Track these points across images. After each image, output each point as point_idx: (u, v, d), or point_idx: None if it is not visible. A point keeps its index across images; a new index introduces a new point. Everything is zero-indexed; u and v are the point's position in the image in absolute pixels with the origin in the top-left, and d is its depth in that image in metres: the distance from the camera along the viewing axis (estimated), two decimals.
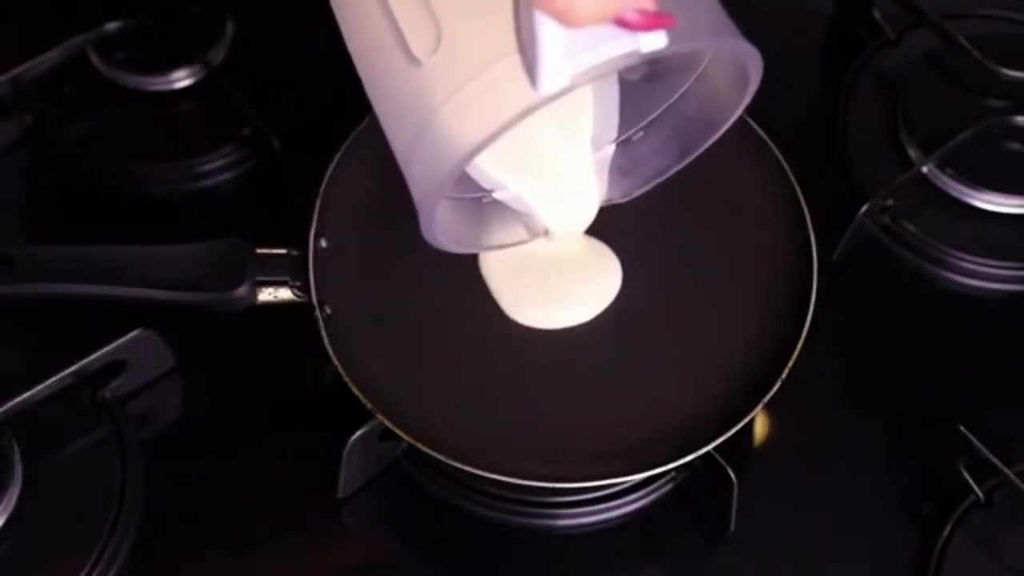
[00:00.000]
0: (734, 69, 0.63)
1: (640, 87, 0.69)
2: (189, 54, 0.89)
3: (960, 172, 0.85)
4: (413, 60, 0.57)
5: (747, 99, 0.64)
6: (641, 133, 0.71)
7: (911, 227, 0.84)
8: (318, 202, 0.78)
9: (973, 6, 0.92)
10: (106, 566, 0.71)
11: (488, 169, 0.68)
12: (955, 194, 0.85)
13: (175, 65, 0.88)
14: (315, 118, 0.89)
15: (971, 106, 0.87)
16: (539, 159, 0.69)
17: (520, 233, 0.73)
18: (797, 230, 0.79)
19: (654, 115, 0.70)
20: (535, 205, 0.70)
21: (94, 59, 0.88)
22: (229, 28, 0.90)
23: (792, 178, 0.80)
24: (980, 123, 0.86)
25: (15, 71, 0.86)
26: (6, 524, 0.71)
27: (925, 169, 0.85)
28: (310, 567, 0.74)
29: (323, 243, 0.77)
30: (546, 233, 0.72)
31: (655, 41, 0.52)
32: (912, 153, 0.86)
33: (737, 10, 0.96)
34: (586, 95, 0.68)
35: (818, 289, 0.76)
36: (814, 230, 0.78)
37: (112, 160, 0.87)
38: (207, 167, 0.87)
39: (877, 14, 0.91)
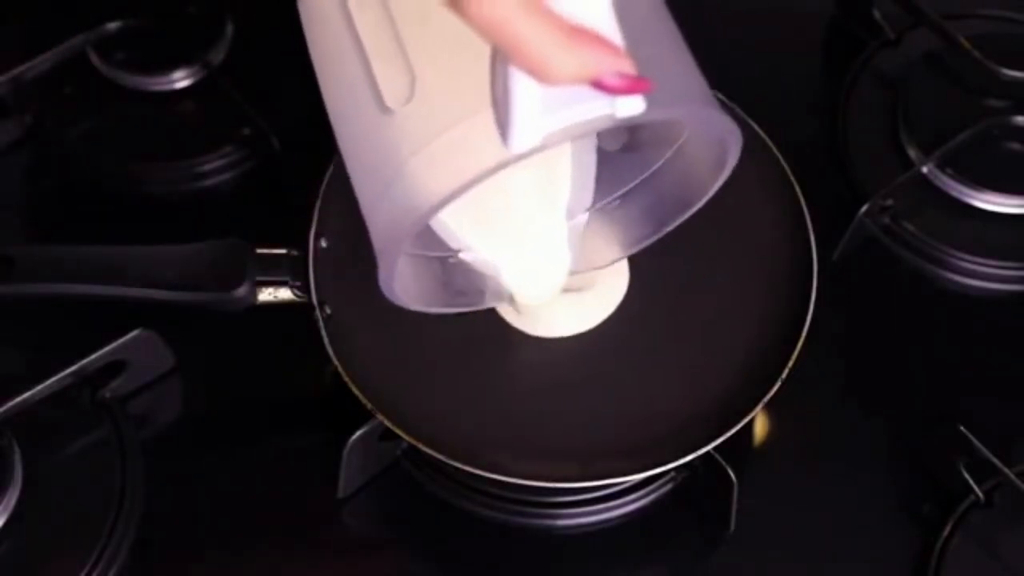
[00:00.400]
0: (712, 147, 0.62)
1: (618, 157, 0.68)
2: (189, 54, 0.89)
3: (960, 172, 0.85)
4: (385, 109, 0.56)
5: (723, 177, 0.63)
6: (617, 202, 0.71)
7: (911, 227, 0.84)
8: (318, 202, 0.78)
9: (973, 6, 0.92)
10: (106, 566, 0.71)
11: (458, 230, 0.67)
12: (955, 194, 0.85)
13: (175, 65, 0.88)
14: (315, 118, 0.88)
15: (971, 106, 0.87)
16: (512, 223, 0.68)
17: (483, 298, 0.72)
18: (797, 230, 0.79)
19: (630, 186, 0.69)
20: (502, 269, 0.69)
21: (94, 59, 0.88)
22: (229, 28, 0.90)
23: (792, 178, 0.80)
24: (980, 123, 0.86)
25: (15, 71, 0.86)
26: (6, 524, 0.71)
27: (925, 169, 0.85)
28: (310, 567, 0.74)
29: (323, 243, 0.77)
30: (510, 299, 0.72)
31: (632, 106, 0.51)
32: (912, 153, 0.86)
33: (737, 10, 0.97)
34: (564, 162, 0.68)
35: (818, 289, 0.76)
36: (814, 230, 0.78)
37: (112, 160, 0.87)
38: (207, 167, 0.87)
39: (877, 14, 0.91)
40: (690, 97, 0.57)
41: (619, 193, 0.70)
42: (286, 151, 0.85)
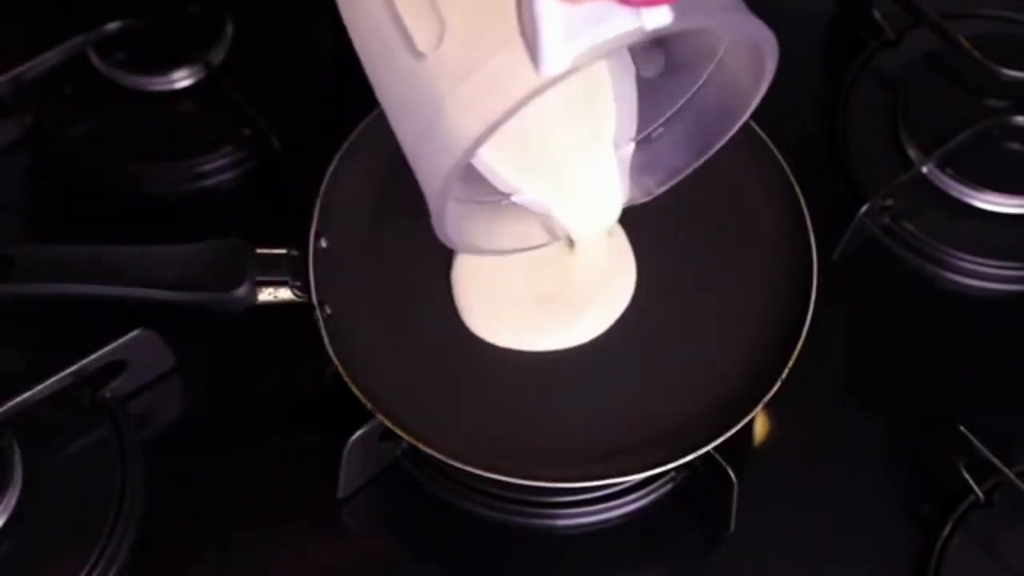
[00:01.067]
0: (749, 55, 0.62)
1: (657, 83, 0.69)
2: (189, 54, 0.89)
3: (960, 172, 0.85)
4: (418, 55, 0.57)
5: (765, 84, 0.63)
6: (661, 129, 0.70)
7: (911, 227, 0.84)
8: (318, 202, 0.78)
9: (973, 6, 0.93)
10: (106, 566, 0.71)
11: (506, 173, 0.67)
12: (955, 194, 0.85)
13: (175, 65, 0.88)
14: (315, 118, 0.89)
15: (971, 106, 0.87)
16: (559, 161, 0.68)
17: (540, 236, 0.72)
18: (797, 230, 0.79)
19: (673, 109, 0.69)
20: (555, 209, 0.69)
21: (94, 59, 0.88)
22: (229, 28, 0.90)
23: (792, 178, 0.80)
24: (980, 123, 0.86)
25: (15, 71, 0.86)
26: (6, 524, 0.71)
27: (925, 169, 0.85)
28: (310, 567, 0.74)
29: (323, 243, 0.77)
30: (567, 238, 0.72)
31: (659, 17, 0.52)
32: (912, 153, 0.86)
33: None
34: (606, 92, 0.68)
35: (818, 289, 0.76)
36: (814, 230, 0.78)
37: (112, 160, 0.87)
38: (207, 167, 0.87)
39: (877, 14, 0.91)
40: (718, 5, 0.57)
41: (662, 119, 0.70)
42: (286, 151, 0.85)
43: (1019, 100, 0.87)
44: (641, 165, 0.71)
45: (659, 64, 0.68)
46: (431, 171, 0.58)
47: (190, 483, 0.76)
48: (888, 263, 0.85)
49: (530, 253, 0.76)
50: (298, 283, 0.75)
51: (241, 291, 0.73)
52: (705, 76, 0.67)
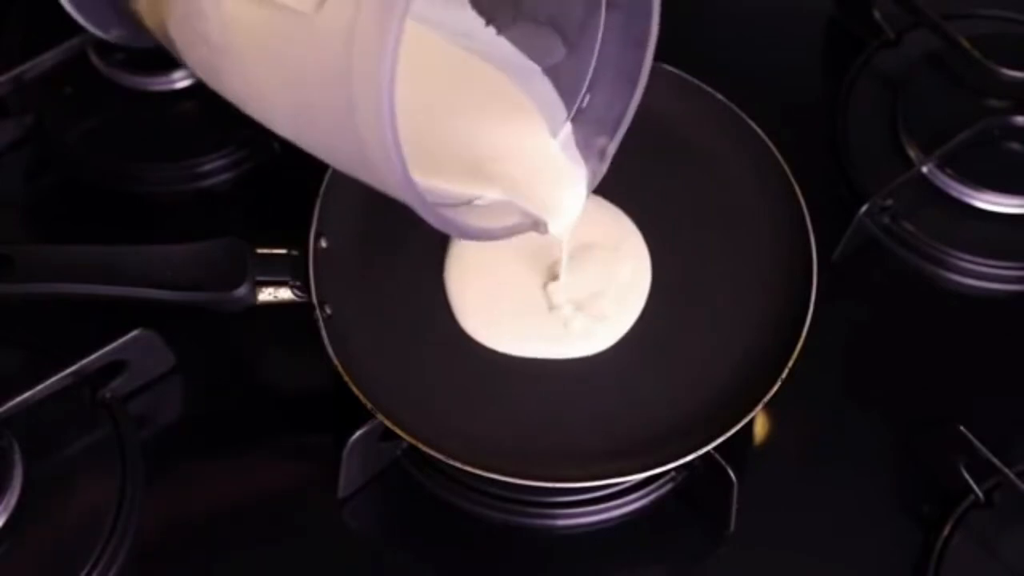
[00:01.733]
0: None
1: (564, 62, 0.70)
2: None
3: (960, 172, 0.85)
4: (304, 18, 0.58)
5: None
6: (587, 96, 0.72)
7: (911, 227, 0.84)
8: (318, 202, 0.78)
9: (973, 6, 0.93)
10: (106, 566, 0.71)
11: (457, 189, 0.68)
12: (955, 194, 0.85)
13: (175, 65, 0.88)
14: None
15: (971, 106, 0.87)
16: (502, 169, 0.69)
17: (522, 225, 0.72)
18: (797, 230, 0.79)
19: (588, 77, 0.71)
20: (522, 204, 0.70)
21: (94, 59, 0.88)
22: None
23: (792, 178, 0.80)
24: (980, 123, 0.86)
25: (15, 71, 0.86)
26: (6, 524, 0.71)
27: (925, 169, 0.85)
28: (310, 567, 0.74)
29: (323, 243, 0.77)
30: (543, 228, 0.72)
31: None
32: (912, 153, 0.86)
33: (737, 10, 0.97)
34: (521, 101, 0.70)
35: (818, 289, 0.76)
36: (814, 230, 0.79)
37: (112, 160, 0.87)
38: (207, 167, 0.87)
39: (877, 14, 0.91)
40: None
41: (584, 90, 0.71)
42: (286, 151, 0.85)
43: (1019, 100, 0.87)
44: (585, 135, 0.73)
45: (558, 49, 0.69)
46: (380, 155, 0.58)
47: (190, 483, 0.76)
48: (888, 263, 0.85)
49: (528, 264, 0.77)
50: (298, 283, 0.75)
51: (241, 291, 0.73)
52: (601, 31, 0.68)
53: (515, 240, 0.71)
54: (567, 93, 0.72)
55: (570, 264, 0.77)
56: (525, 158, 0.70)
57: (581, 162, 0.72)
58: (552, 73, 0.72)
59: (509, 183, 0.70)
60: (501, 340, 0.77)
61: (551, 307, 0.78)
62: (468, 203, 0.70)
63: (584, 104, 0.72)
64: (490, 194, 0.70)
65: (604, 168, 0.73)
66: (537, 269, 0.79)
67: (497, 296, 0.78)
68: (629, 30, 0.69)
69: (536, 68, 0.72)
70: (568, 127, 0.72)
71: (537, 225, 0.72)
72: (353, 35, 0.56)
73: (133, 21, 0.75)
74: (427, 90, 0.70)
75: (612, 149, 0.72)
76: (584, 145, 0.73)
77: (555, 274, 0.77)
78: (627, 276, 0.79)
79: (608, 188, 0.82)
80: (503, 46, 0.73)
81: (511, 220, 0.71)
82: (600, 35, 0.69)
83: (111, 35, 0.83)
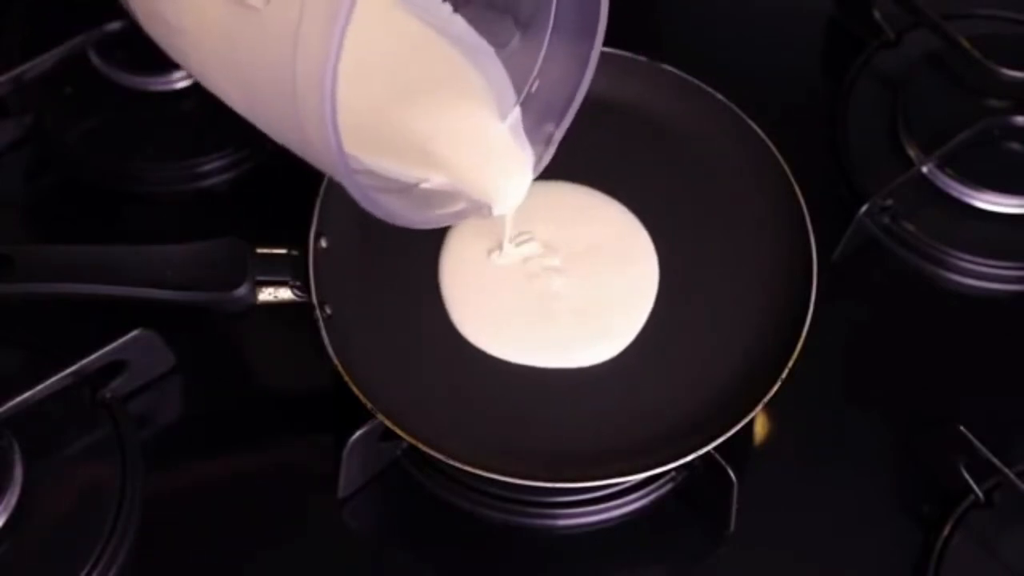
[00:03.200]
0: None
1: (517, 46, 0.71)
2: None
3: (960, 172, 0.85)
4: (253, 11, 0.58)
5: None
6: (537, 81, 0.72)
7: (911, 227, 0.84)
8: (318, 202, 0.78)
9: (973, 6, 0.93)
10: (106, 566, 0.71)
11: (403, 172, 0.68)
12: (955, 194, 0.85)
13: (175, 65, 0.88)
14: None
15: (971, 106, 0.87)
16: (452, 148, 0.69)
17: (465, 211, 0.72)
18: (797, 230, 0.79)
19: (539, 61, 0.71)
20: (468, 189, 0.70)
21: (94, 59, 0.88)
22: None
23: (792, 178, 0.80)
24: (980, 123, 0.86)
25: (15, 71, 0.86)
26: (6, 524, 0.71)
27: (925, 169, 0.85)
28: (310, 567, 0.74)
29: (323, 243, 0.77)
30: (488, 211, 0.72)
31: None
32: (912, 153, 0.86)
33: (738, 10, 0.97)
34: (474, 81, 0.70)
35: (818, 289, 0.76)
36: (814, 230, 0.79)
37: (112, 160, 0.87)
38: (207, 167, 0.87)
39: (877, 14, 0.91)
40: None
41: (535, 74, 0.72)
42: (286, 151, 0.85)
43: (1019, 100, 0.87)
44: (533, 120, 0.73)
45: (511, 31, 0.70)
46: (319, 139, 0.58)
47: (190, 483, 0.76)
48: (888, 263, 0.85)
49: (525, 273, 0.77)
50: (298, 283, 0.75)
51: (241, 291, 0.73)
52: (553, 17, 0.69)
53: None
54: (517, 77, 0.72)
55: (577, 266, 0.77)
56: (472, 140, 0.70)
57: (528, 147, 0.72)
58: (504, 56, 0.72)
59: (454, 165, 0.69)
60: (501, 348, 0.77)
61: (553, 315, 0.77)
62: (412, 187, 0.70)
63: (534, 89, 0.72)
64: (435, 177, 0.69)
65: (550, 153, 0.73)
66: (537, 272, 0.78)
67: (495, 304, 0.78)
68: (581, 17, 0.69)
69: (489, 49, 0.72)
70: (517, 111, 0.72)
71: (480, 209, 0.71)
72: (297, 35, 0.57)
73: None
74: (378, 63, 0.70)
75: (559, 135, 0.72)
76: (532, 130, 0.73)
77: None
78: (634, 286, 0.79)
79: (607, 188, 0.82)
80: (458, 23, 0.73)
81: (454, 207, 0.71)
82: (552, 21, 0.70)
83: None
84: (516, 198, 0.72)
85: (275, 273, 0.75)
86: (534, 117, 0.73)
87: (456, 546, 0.76)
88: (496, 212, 0.71)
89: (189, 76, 0.88)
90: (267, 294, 0.74)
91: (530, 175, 0.72)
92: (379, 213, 0.64)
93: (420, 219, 0.69)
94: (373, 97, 0.69)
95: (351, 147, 0.59)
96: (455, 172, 0.70)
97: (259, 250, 0.75)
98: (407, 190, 0.70)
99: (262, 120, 0.65)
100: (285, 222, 0.77)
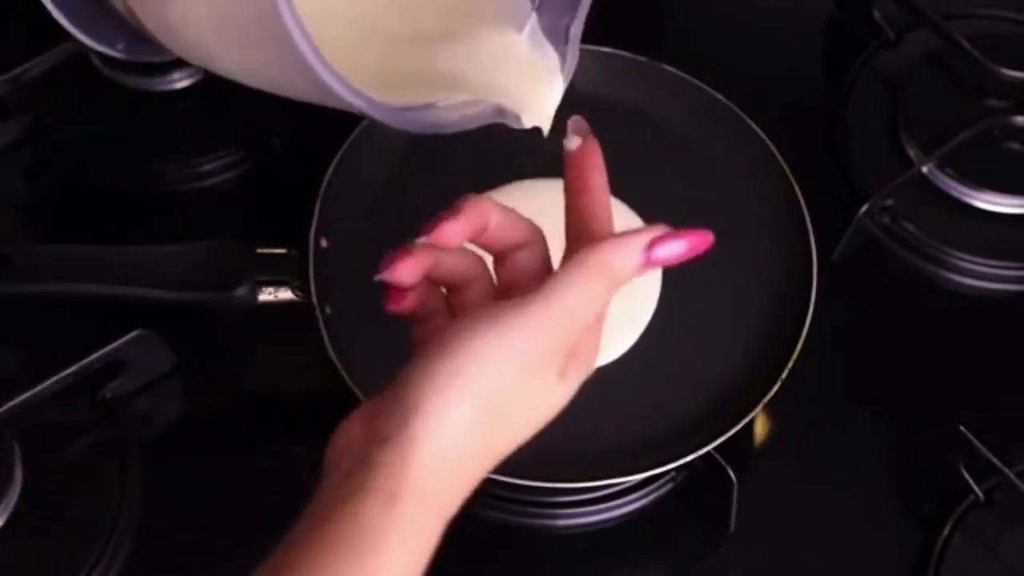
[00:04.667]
0: None
1: None
2: None
3: (960, 172, 0.85)
4: None
5: None
6: None
7: (911, 227, 0.84)
8: (318, 202, 0.78)
9: (973, 6, 0.93)
10: (106, 566, 0.71)
11: (430, 96, 0.64)
12: (955, 194, 0.85)
13: (175, 65, 0.88)
14: (315, 118, 0.88)
15: (971, 106, 0.87)
16: (476, 72, 0.67)
17: (489, 118, 0.68)
18: (797, 230, 0.79)
19: None
20: (497, 100, 0.66)
21: (94, 59, 0.88)
22: None
23: (792, 178, 0.80)
24: (980, 123, 0.86)
25: (15, 71, 0.86)
26: (6, 524, 0.71)
27: (925, 169, 0.85)
28: None
29: (323, 243, 0.77)
30: (517, 120, 0.67)
31: None
32: (912, 153, 0.86)
33: (738, 10, 0.97)
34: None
35: (818, 289, 0.76)
36: (814, 230, 0.79)
37: (112, 160, 0.87)
38: (207, 167, 0.87)
39: (877, 14, 0.91)
40: None
41: None
42: (286, 151, 0.85)
43: (1019, 100, 0.87)
44: (550, 20, 0.69)
45: None
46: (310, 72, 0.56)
47: (190, 483, 0.76)
48: (888, 263, 0.85)
49: None
50: (298, 283, 0.75)
51: (241, 291, 0.73)
52: None
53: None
54: None
55: None
56: (494, 62, 0.68)
57: (551, 52, 0.69)
58: None
59: (481, 89, 0.67)
60: None
61: None
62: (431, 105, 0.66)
63: None
64: (461, 97, 0.66)
65: (575, 55, 0.68)
66: None
67: None
68: None
69: None
70: (533, 18, 0.69)
71: (505, 115, 0.67)
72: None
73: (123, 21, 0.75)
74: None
75: (577, 28, 0.68)
76: (550, 31, 0.69)
77: None
78: (635, 287, 0.79)
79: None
80: None
81: (475, 110, 0.66)
82: None
83: (117, 49, 0.82)
84: (550, 107, 0.69)
85: (275, 273, 0.74)
86: (550, 16, 0.69)
87: (456, 546, 0.76)
88: (528, 124, 0.67)
89: (189, 76, 0.89)
90: (267, 294, 0.74)
91: (559, 81, 0.69)
92: (414, 127, 0.61)
93: (457, 120, 0.65)
94: (385, 32, 0.67)
95: (369, 87, 0.58)
96: (483, 93, 0.68)
97: (259, 250, 0.75)
98: (431, 106, 0.68)
99: (264, 75, 0.63)
100: (285, 222, 0.77)
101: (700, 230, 0.59)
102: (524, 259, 0.58)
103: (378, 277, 0.58)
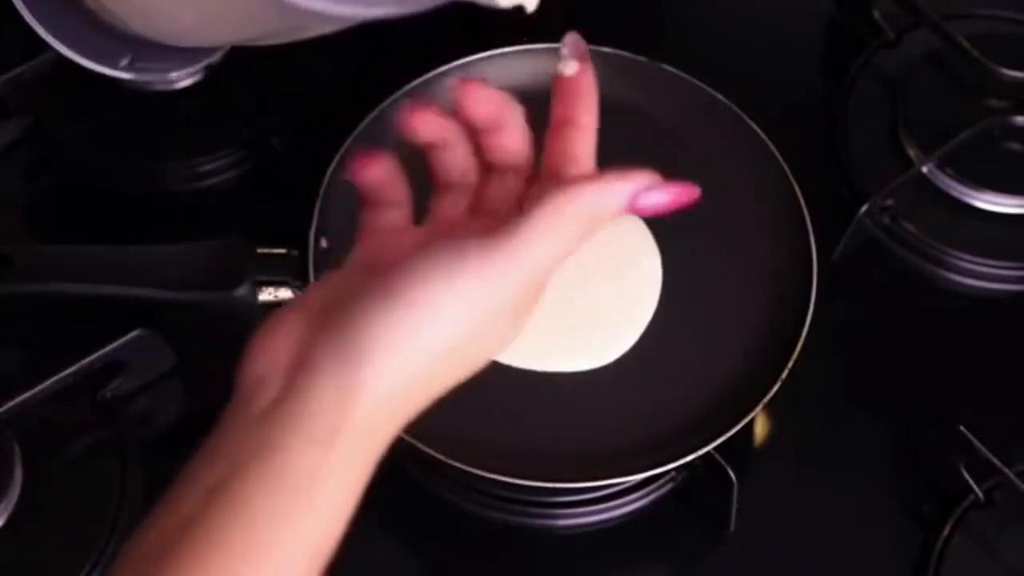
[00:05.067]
0: None
1: None
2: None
3: (960, 172, 0.85)
4: None
5: None
6: None
7: (911, 227, 0.84)
8: (318, 202, 0.78)
9: (973, 6, 0.93)
10: (106, 566, 0.71)
11: None
12: (955, 194, 0.85)
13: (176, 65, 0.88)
14: (315, 118, 0.89)
15: (971, 106, 0.87)
16: None
17: None
18: (797, 230, 0.79)
19: None
20: None
21: None
22: None
23: (792, 178, 0.80)
24: (980, 123, 0.86)
25: (15, 71, 0.86)
26: (6, 524, 0.71)
27: (925, 169, 0.85)
28: None
29: (323, 243, 0.77)
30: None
31: None
32: (912, 153, 0.86)
33: (738, 10, 0.97)
34: None
35: (818, 289, 0.76)
36: (814, 230, 0.79)
37: (112, 160, 0.87)
38: (207, 167, 0.87)
39: (877, 14, 0.91)
40: None
41: None
42: (286, 151, 0.85)
43: (1019, 100, 0.87)
44: None
45: None
46: None
47: None
48: (888, 263, 0.85)
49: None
50: (298, 283, 0.75)
51: (241, 291, 0.73)
52: None
53: None
54: None
55: (579, 268, 0.77)
56: None
57: None
58: None
59: None
60: (503, 354, 0.76)
61: (555, 319, 0.77)
62: None
63: None
64: None
65: None
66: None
67: None
68: None
69: None
70: None
71: None
72: None
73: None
74: None
75: None
76: None
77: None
78: (636, 288, 0.79)
79: None
80: None
81: None
82: None
83: (120, 67, 0.81)
84: None
85: (275, 273, 0.74)
86: None
87: (456, 546, 0.76)
88: (503, 3, 0.58)
89: (189, 76, 0.88)
90: (267, 294, 0.74)
91: None
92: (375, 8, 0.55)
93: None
94: None
95: None
96: None
97: (259, 250, 0.75)
98: None
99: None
100: (285, 222, 0.77)
101: (685, 183, 0.55)
102: (508, 141, 0.55)
103: (405, 111, 0.54)
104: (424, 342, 0.49)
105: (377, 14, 0.56)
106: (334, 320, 0.50)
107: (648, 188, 0.54)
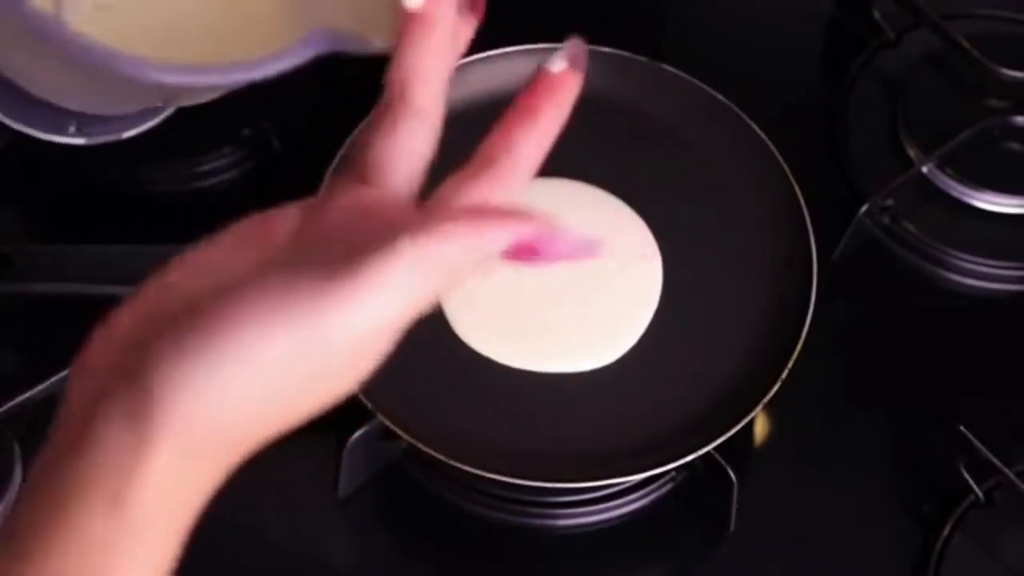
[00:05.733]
0: None
1: None
2: None
3: (960, 172, 0.85)
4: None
5: None
6: None
7: (911, 227, 0.84)
8: None
9: (973, 6, 0.93)
10: None
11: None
12: (955, 194, 0.85)
13: None
14: (315, 118, 0.89)
15: (971, 106, 0.87)
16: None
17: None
18: (797, 230, 0.79)
19: None
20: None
21: None
22: None
23: (792, 178, 0.80)
24: (980, 123, 0.86)
25: None
26: None
27: (925, 169, 0.85)
28: (310, 567, 0.74)
29: None
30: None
31: None
32: (912, 153, 0.86)
33: (738, 10, 0.97)
34: None
35: (818, 289, 0.76)
36: (814, 230, 0.79)
37: (112, 160, 0.87)
38: (207, 167, 0.87)
39: (877, 14, 0.91)
40: None
41: None
42: (286, 151, 0.85)
43: (1019, 100, 0.87)
44: None
45: None
46: None
47: None
48: (888, 263, 0.85)
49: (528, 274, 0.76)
50: None
51: None
52: None
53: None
54: None
55: (579, 268, 0.77)
56: None
57: None
58: None
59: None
60: (501, 353, 0.76)
61: (555, 319, 0.77)
62: None
63: None
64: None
65: None
66: (538, 279, 0.78)
67: (495, 306, 0.77)
68: None
69: None
70: None
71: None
72: None
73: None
74: None
75: None
76: None
77: None
78: (637, 288, 0.79)
79: (607, 188, 0.82)
80: None
81: None
82: None
83: (70, 134, 0.80)
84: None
85: None
86: None
87: (456, 546, 0.76)
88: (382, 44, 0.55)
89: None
90: None
91: None
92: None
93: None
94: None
95: None
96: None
97: None
98: None
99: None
100: None
101: (585, 240, 0.45)
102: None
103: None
104: (234, 392, 0.42)
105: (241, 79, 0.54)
106: (139, 350, 0.43)
107: (537, 240, 0.44)
